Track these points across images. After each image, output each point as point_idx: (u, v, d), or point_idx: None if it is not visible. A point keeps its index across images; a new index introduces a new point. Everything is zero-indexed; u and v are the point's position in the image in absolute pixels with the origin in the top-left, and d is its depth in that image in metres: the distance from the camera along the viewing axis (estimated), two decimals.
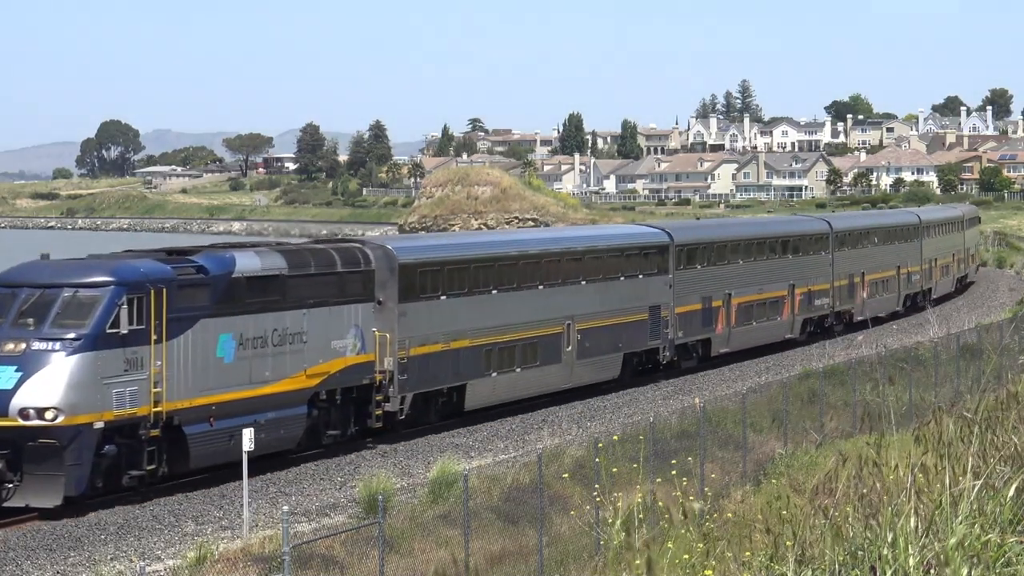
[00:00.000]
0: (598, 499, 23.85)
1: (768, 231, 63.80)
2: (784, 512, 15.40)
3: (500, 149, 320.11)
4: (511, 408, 44.96)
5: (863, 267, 68.73)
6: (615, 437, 30.44)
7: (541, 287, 45.75)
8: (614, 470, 25.95)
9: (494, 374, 43.45)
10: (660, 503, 22.44)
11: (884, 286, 71.98)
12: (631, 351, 50.41)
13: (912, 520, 12.01)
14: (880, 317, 69.10)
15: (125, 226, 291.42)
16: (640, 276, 51.09)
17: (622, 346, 49.64)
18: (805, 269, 62.85)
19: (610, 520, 21.29)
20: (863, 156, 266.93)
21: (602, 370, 48.80)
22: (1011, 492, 12.58)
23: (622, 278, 50.07)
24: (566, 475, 27.35)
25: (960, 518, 12.11)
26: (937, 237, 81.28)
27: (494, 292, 43.82)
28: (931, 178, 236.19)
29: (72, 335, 30.84)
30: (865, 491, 13.45)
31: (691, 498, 20.85)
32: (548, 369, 45.93)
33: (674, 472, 23.70)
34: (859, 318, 67.58)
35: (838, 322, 66.29)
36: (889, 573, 11.55)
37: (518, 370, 44.43)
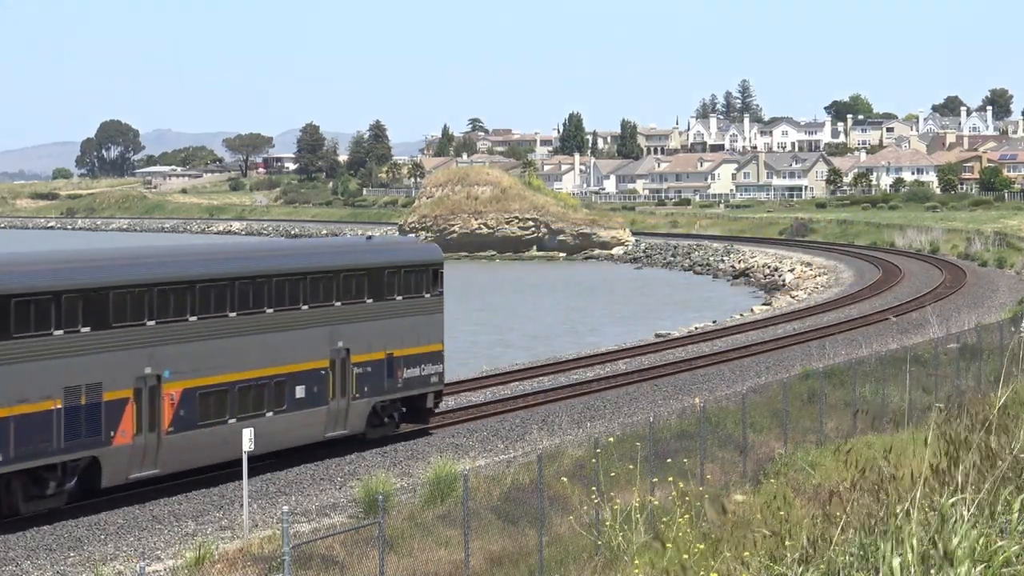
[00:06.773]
0: (595, 501, 23.84)
1: None
2: (781, 512, 15.37)
3: (500, 149, 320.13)
4: (511, 408, 45.02)
5: None
6: (613, 438, 30.41)
7: None
8: (612, 474, 25.93)
9: None
10: (656, 503, 22.43)
11: None
12: None
13: (915, 521, 11.98)
14: None
15: (125, 226, 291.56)
16: None
17: None
18: None
19: (609, 521, 21.27)
20: (863, 156, 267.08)
21: None
22: (1018, 503, 12.50)
23: None
24: (578, 474, 27.27)
25: (963, 520, 12.09)
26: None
27: None
28: (931, 178, 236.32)
29: None
30: (865, 492, 13.43)
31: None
32: None
33: (675, 478, 23.68)
34: None
35: None
36: (891, 574, 11.53)
37: None
